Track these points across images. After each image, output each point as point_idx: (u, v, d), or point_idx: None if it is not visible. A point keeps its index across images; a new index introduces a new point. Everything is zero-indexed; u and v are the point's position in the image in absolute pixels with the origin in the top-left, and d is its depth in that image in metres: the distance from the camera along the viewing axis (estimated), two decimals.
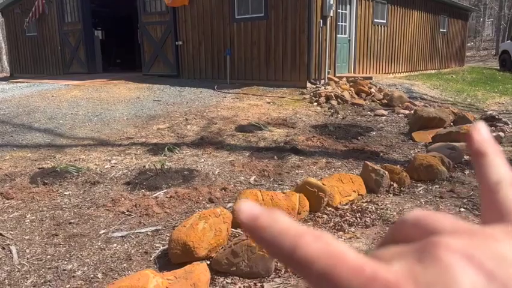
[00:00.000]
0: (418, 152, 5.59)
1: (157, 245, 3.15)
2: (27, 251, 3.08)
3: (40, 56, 15.79)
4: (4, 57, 29.46)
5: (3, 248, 3.11)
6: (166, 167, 4.81)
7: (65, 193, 4.22)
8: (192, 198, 4.05)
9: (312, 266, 0.21)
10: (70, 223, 3.52)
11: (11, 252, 3.04)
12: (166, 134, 6.54)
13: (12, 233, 3.36)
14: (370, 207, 3.80)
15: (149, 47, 12.36)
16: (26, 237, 3.28)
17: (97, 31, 14.54)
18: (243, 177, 4.66)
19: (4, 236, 3.29)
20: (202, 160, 5.25)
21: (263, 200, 3.46)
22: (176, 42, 11.68)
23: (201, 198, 4.06)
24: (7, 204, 3.94)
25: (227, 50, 10.75)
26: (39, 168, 4.92)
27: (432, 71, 16.23)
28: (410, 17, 14.22)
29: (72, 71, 14.51)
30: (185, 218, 3.56)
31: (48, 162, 5.19)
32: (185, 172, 4.76)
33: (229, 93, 9.71)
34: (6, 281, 2.69)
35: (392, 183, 4.28)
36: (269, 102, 8.72)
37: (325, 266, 0.20)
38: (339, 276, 0.20)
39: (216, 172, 4.81)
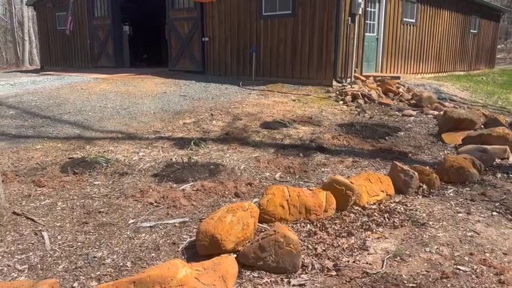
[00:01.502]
0: (448, 153, 5.47)
1: (184, 236, 3.17)
2: (59, 237, 3.15)
3: (70, 49, 16.14)
4: (35, 50, 30.30)
5: (36, 234, 3.19)
6: (192, 160, 4.85)
7: (95, 183, 4.30)
8: (218, 192, 4.07)
9: None
10: (100, 212, 3.59)
11: (43, 238, 3.12)
12: (191, 128, 6.59)
13: (44, 219, 3.45)
14: (399, 208, 3.74)
15: (176, 42, 12.47)
16: (58, 224, 3.36)
17: (125, 26, 14.75)
18: (268, 173, 4.66)
19: (36, 222, 3.38)
20: (228, 155, 5.27)
21: (290, 196, 3.44)
22: (203, 39, 11.75)
23: (226, 192, 4.08)
24: (39, 192, 4.05)
25: (253, 46, 10.75)
26: (69, 158, 5.03)
27: (462, 73, 15.85)
28: (440, 16, 13.91)
29: (100, 65, 14.78)
30: (211, 211, 3.58)
31: (78, 152, 5.30)
32: (211, 166, 4.79)
33: (254, 89, 9.71)
34: (39, 265, 2.76)
35: (421, 184, 4.21)
36: (294, 100, 8.68)
37: None
38: None
39: (242, 167, 4.82)
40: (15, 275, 2.64)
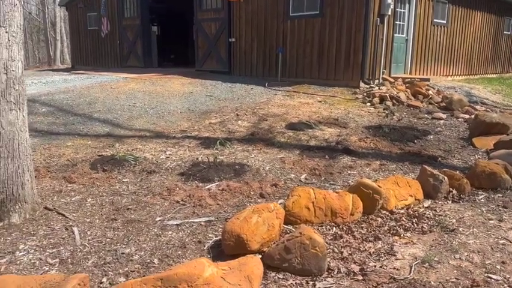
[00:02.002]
0: (479, 158, 5.32)
1: (210, 235, 3.20)
2: (88, 232, 3.23)
3: (100, 49, 16.53)
4: (66, 49, 31.18)
5: (67, 229, 3.28)
6: (217, 160, 4.88)
7: (124, 180, 4.39)
8: (243, 192, 4.08)
9: None
10: (128, 209, 3.66)
11: (73, 233, 3.20)
12: (217, 128, 6.63)
13: (74, 215, 3.54)
14: (427, 213, 3.66)
15: (203, 43, 12.59)
16: (87, 220, 3.45)
17: (153, 26, 14.99)
18: (293, 175, 4.64)
19: (67, 217, 3.47)
20: (253, 156, 5.28)
21: (316, 198, 3.42)
22: (230, 39, 11.82)
23: (252, 193, 4.08)
24: (70, 188, 4.16)
25: (279, 47, 10.73)
26: (99, 156, 5.15)
27: (493, 75, 15.37)
28: (472, 17, 13.53)
29: (129, 64, 15.07)
30: (236, 211, 3.60)
31: (108, 150, 5.42)
32: (237, 166, 4.81)
33: (279, 90, 9.70)
34: (69, 259, 2.84)
35: (451, 189, 4.10)
36: (320, 101, 8.61)
37: None
38: None
39: (267, 168, 4.82)
40: (47, 269, 2.72)
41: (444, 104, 8.26)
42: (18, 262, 2.78)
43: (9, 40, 3.26)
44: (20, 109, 3.37)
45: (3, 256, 2.85)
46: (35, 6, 36.07)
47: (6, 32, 3.24)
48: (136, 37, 14.78)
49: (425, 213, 3.64)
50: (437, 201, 3.93)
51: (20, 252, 2.91)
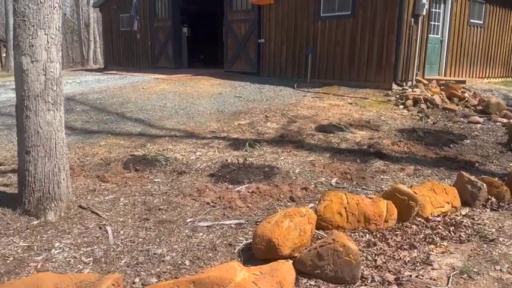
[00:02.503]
0: None
1: (240, 238, 3.18)
2: (121, 232, 3.27)
3: (132, 49, 16.85)
4: (99, 50, 32.00)
5: (100, 228, 3.33)
6: (247, 162, 4.87)
7: (155, 180, 4.44)
8: (273, 195, 4.05)
9: None
10: (160, 209, 3.69)
11: (106, 232, 3.25)
12: (246, 129, 6.63)
13: (107, 214, 3.59)
14: (465, 221, 3.52)
15: (232, 44, 12.63)
16: (120, 219, 3.49)
17: (184, 28, 15.17)
18: (324, 178, 4.57)
19: (101, 216, 3.53)
20: (282, 158, 5.24)
21: (348, 203, 3.35)
22: (259, 40, 11.81)
23: (281, 196, 4.04)
24: (103, 187, 4.23)
25: (309, 48, 10.64)
26: (131, 155, 5.23)
27: None
28: (510, 18, 13.02)
29: (160, 65, 15.30)
30: (266, 214, 3.57)
31: (139, 150, 5.50)
32: (266, 169, 4.78)
33: (309, 92, 9.61)
34: (103, 259, 2.88)
35: (489, 197, 3.94)
36: (351, 103, 8.48)
37: None
38: None
39: (296, 171, 4.77)
40: (81, 267, 2.76)
41: (481, 108, 7.97)
42: (53, 260, 2.84)
43: (48, 42, 3.34)
44: (57, 109, 3.46)
45: (40, 253, 2.92)
46: (69, 7, 37.20)
47: (46, 34, 3.33)
48: (167, 38, 14.98)
49: (462, 222, 3.51)
50: (475, 209, 3.78)
51: (56, 250, 2.97)
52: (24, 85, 3.31)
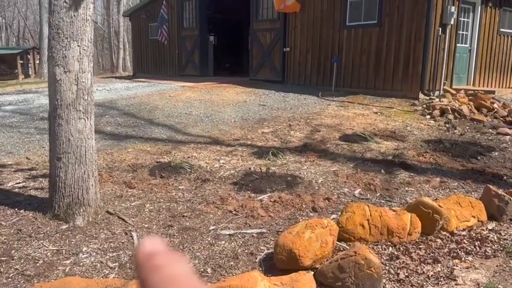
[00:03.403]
0: None
1: (261, 247, 3.21)
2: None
3: (160, 58, 17.22)
4: (128, 57, 32.77)
5: (126, 234, 3.43)
6: (270, 171, 4.90)
7: (179, 187, 4.52)
8: (295, 205, 4.06)
9: None
10: (183, 216, 3.76)
11: (132, 238, 3.34)
12: (270, 138, 6.66)
13: (133, 220, 3.69)
14: (491, 236, 3.44)
15: (257, 52, 12.74)
16: (145, 226, 3.58)
17: (210, 36, 15.40)
18: (347, 189, 4.55)
19: (127, 222, 3.63)
20: (305, 167, 5.25)
21: (371, 215, 3.33)
22: (284, 49, 11.87)
23: (304, 206, 4.05)
24: (129, 193, 4.35)
25: (335, 57, 10.62)
26: (157, 162, 5.35)
27: None
28: None
29: (186, 73, 15.56)
30: (288, 224, 3.59)
31: (165, 157, 5.62)
32: (289, 178, 4.80)
33: (333, 100, 9.58)
34: (128, 264, 2.96)
35: None
36: (376, 112, 8.41)
37: None
38: None
39: (319, 181, 4.77)
40: (107, 272, 2.85)
41: (510, 119, 7.76)
42: (81, 264, 2.94)
43: (80, 53, 3.48)
44: (88, 118, 3.59)
45: (68, 257, 3.03)
46: (100, 16, 38.32)
47: (78, 46, 3.47)
48: (194, 47, 15.24)
49: (488, 236, 3.43)
50: (501, 224, 3.69)
51: (83, 254, 3.07)
52: (57, 94, 3.46)
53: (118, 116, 8.01)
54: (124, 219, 3.66)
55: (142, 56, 18.53)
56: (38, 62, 25.26)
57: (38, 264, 2.92)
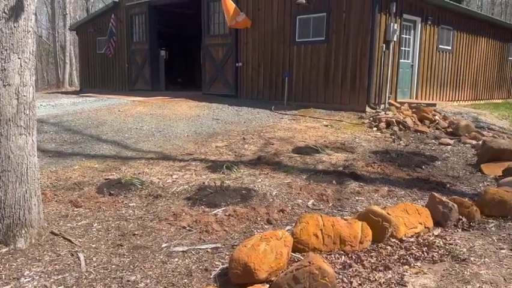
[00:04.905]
0: (488, 185, 5.26)
1: (216, 263, 3.15)
2: (94, 259, 3.19)
3: (108, 72, 16.78)
4: (75, 72, 31.66)
5: (72, 255, 3.25)
6: (224, 185, 4.86)
7: (130, 204, 4.37)
8: (250, 218, 4.04)
9: None
10: (134, 234, 3.63)
11: (79, 259, 3.16)
12: (224, 152, 6.64)
13: (80, 240, 3.51)
14: (438, 241, 3.59)
15: (210, 67, 12.75)
16: (93, 246, 3.41)
17: (161, 51, 15.23)
18: (300, 200, 4.60)
19: (73, 242, 3.45)
20: (260, 180, 5.26)
21: (324, 225, 3.37)
22: (237, 64, 11.97)
23: (259, 218, 4.04)
24: (76, 212, 4.14)
25: (286, 72, 10.85)
26: (105, 179, 5.15)
27: (499, 100, 15.41)
28: (477, 43, 13.66)
29: (137, 88, 15.26)
30: (243, 237, 3.56)
31: (114, 173, 5.42)
32: (243, 191, 4.78)
33: (286, 114, 9.74)
34: (74, 286, 2.80)
35: (460, 217, 4.03)
36: (327, 125, 8.63)
37: None
38: None
39: (274, 193, 4.79)
40: None
41: (451, 130, 8.24)
42: None
43: (21, 66, 3.31)
44: (29, 134, 3.40)
45: (8, 282, 2.82)
46: (45, 30, 36.88)
47: (19, 58, 3.30)
48: (144, 61, 15.00)
49: (435, 242, 3.57)
50: (446, 229, 3.87)
51: (25, 278, 2.87)
52: None
53: (63, 132, 7.67)
54: (70, 240, 3.47)
55: (89, 71, 17.97)
56: None
57: None
